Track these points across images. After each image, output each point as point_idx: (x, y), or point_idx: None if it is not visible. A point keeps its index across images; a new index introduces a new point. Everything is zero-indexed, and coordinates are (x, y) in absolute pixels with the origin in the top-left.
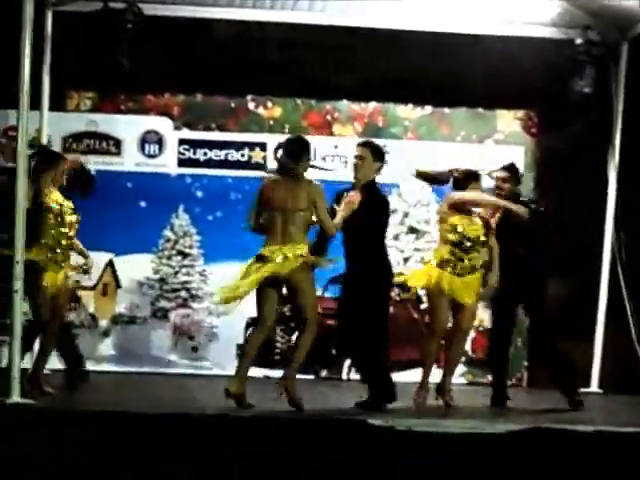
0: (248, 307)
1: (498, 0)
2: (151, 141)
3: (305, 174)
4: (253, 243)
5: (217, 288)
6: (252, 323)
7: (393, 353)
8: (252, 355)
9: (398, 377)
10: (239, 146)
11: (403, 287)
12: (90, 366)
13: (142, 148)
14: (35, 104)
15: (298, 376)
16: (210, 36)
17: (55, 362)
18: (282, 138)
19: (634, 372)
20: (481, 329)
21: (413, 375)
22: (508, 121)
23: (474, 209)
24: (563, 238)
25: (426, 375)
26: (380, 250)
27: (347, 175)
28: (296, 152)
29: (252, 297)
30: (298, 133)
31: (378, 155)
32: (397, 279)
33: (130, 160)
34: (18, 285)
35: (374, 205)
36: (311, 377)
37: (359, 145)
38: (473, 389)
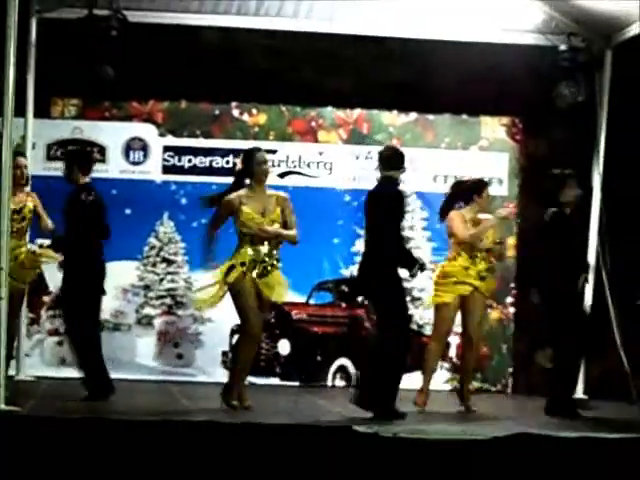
0: (232, 314)
1: (482, 7)
2: (136, 148)
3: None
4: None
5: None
6: (237, 330)
7: None
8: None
9: None
10: (224, 153)
11: None
12: (75, 373)
13: (127, 155)
14: (20, 111)
15: (281, 383)
16: (194, 43)
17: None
18: (267, 145)
19: (619, 378)
20: None
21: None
22: (493, 128)
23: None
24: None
25: (426, 380)
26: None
27: (331, 182)
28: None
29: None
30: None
31: (384, 164)
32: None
33: (115, 167)
34: (3, 293)
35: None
36: (296, 384)
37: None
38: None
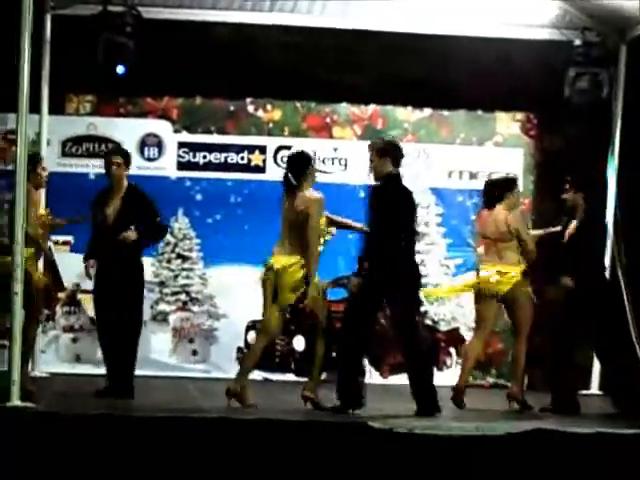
0: (248, 310)
1: (497, 3)
2: (150, 144)
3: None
4: (252, 246)
5: None
6: (252, 326)
7: (399, 355)
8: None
9: (396, 380)
10: (238, 149)
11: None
12: (90, 370)
13: (141, 151)
14: (35, 107)
15: (297, 379)
16: (209, 39)
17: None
18: (282, 141)
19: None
20: None
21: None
22: (507, 123)
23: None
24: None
25: (463, 376)
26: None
27: (346, 178)
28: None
29: (252, 300)
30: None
31: (382, 152)
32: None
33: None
34: (18, 288)
35: (391, 196)
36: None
37: (368, 146)
38: (473, 391)
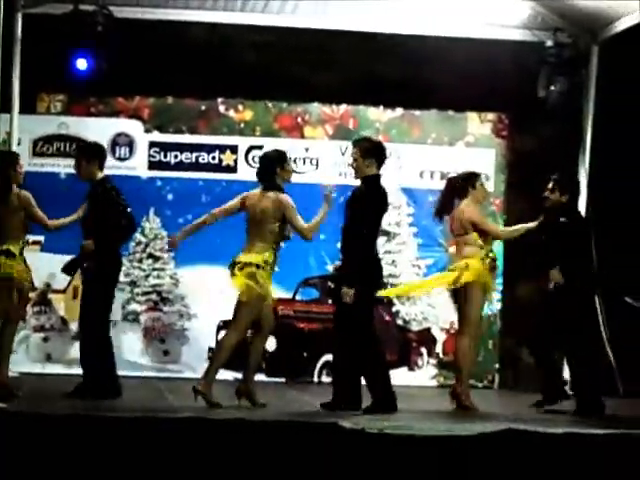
0: (219, 310)
1: (469, 3)
2: (122, 144)
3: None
4: (223, 247)
5: None
6: (223, 326)
7: None
8: (224, 357)
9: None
10: (210, 149)
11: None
12: (60, 369)
13: (113, 151)
14: (5, 107)
15: (268, 379)
16: (181, 39)
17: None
18: (253, 141)
19: (606, 374)
20: (452, 331)
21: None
22: (478, 124)
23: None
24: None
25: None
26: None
27: (318, 177)
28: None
29: (224, 300)
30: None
31: (367, 152)
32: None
33: None
34: None
35: (369, 197)
36: (282, 380)
37: (351, 144)
38: (444, 391)
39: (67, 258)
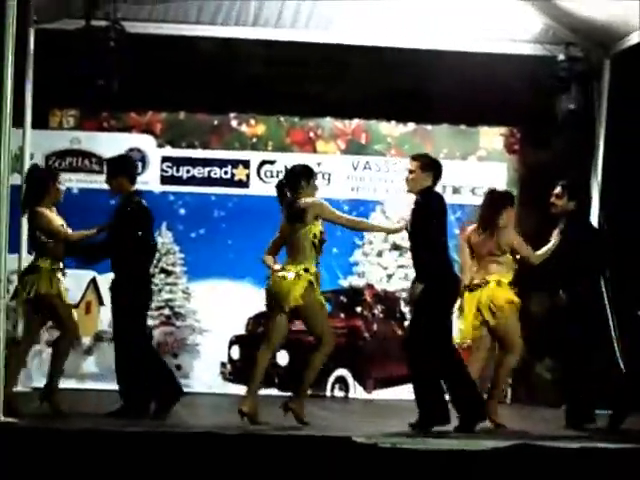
0: (232, 325)
1: (481, 17)
2: (134, 159)
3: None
4: (236, 261)
5: None
6: (236, 341)
7: (383, 370)
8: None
9: (388, 394)
10: (222, 163)
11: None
12: (73, 384)
13: None
14: (18, 121)
15: (280, 393)
16: (193, 53)
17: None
18: (265, 156)
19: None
20: (465, 346)
21: (400, 392)
22: (491, 138)
23: None
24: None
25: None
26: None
27: (330, 192)
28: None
29: (236, 315)
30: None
31: (427, 166)
32: None
33: None
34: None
35: (427, 210)
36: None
37: (410, 159)
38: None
39: (79, 272)
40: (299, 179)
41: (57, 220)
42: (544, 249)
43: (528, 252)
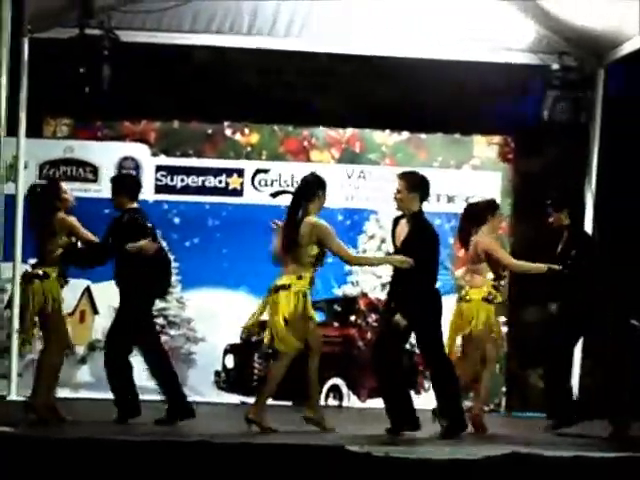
0: (226, 334)
1: (475, 26)
2: (128, 167)
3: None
4: (230, 270)
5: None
6: (230, 350)
7: (367, 380)
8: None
9: (374, 404)
10: (216, 172)
11: None
12: (67, 393)
13: None
14: (12, 130)
15: (276, 402)
16: (187, 62)
17: None
18: (260, 164)
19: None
20: (458, 354)
21: None
22: (485, 147)
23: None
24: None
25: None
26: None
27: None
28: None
29: (231, 324)
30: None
31: (414, 187)
32: None
33: (107, 187)
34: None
35: (418, 236)
36: (289, 403)
37: (397, 177)
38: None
39: (73, 281)
40: (314, 188)
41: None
42: (529, 264)
43: (504, 255)
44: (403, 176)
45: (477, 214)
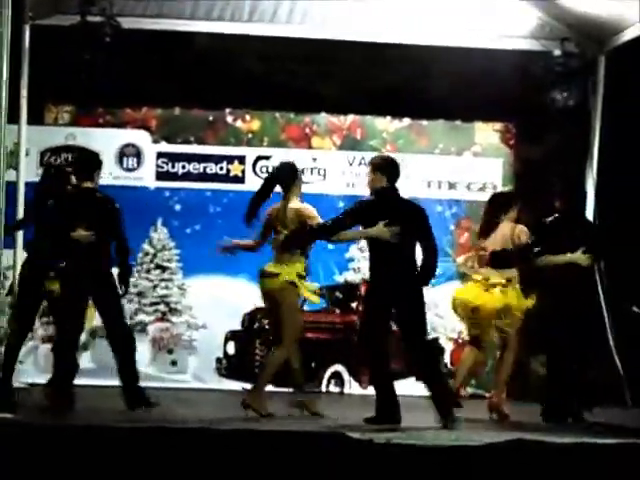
0: (227, 321)
1: (476, 12)
2: (129, 154)
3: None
4: (231, 256)
5: None
6: (231, 337)
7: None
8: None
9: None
10: (217, 159)
11: None
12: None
13: (120, 161)
14: (13, 118)
15: (277, 389)
16: (188, 49)
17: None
18: (261, 151)
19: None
20: (460, 340)
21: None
22: (486, 133)
23: None
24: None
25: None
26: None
27: (325, 188)
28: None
29: (232, 310)
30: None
31: (380, 168)
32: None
33: (108, 173)
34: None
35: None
36: (290, 390)
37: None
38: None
39: None
40: (290, 176)
41: None
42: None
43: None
44: (371, 160)
45: (504, 203)
